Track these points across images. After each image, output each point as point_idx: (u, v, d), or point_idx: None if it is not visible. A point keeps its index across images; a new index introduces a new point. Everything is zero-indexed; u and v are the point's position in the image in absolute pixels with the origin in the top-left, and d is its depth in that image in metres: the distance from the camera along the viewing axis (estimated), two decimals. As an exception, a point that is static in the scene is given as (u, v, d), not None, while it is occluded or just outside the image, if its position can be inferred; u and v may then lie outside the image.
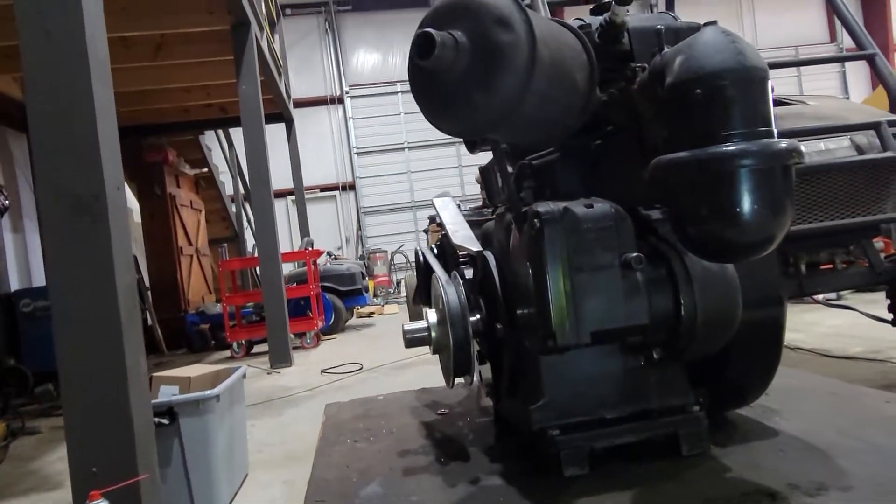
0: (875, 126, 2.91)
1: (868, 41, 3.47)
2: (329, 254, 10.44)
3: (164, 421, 2.74)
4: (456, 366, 0.98)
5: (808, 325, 5.55)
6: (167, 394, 2.92)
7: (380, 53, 16.47)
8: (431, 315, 1.02)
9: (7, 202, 7.08)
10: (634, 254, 0.84)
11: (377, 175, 16.40)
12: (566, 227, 0.83)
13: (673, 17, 1.15)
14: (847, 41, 17.37)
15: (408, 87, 1.10)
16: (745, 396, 1.07)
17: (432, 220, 9.84)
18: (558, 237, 0.83)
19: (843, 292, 6.49)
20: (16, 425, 4.82)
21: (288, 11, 15.58)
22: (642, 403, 0.93)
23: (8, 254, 6.98)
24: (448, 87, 0.67)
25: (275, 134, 10.61)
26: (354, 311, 9.81)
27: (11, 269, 7.73)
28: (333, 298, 8.83)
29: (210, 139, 12.29)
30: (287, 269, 9.63)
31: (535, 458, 0.94)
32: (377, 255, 14.37)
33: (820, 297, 6.31)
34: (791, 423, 1.02)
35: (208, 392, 2.82)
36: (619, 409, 0.92)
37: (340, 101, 16.26)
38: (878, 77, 3.41)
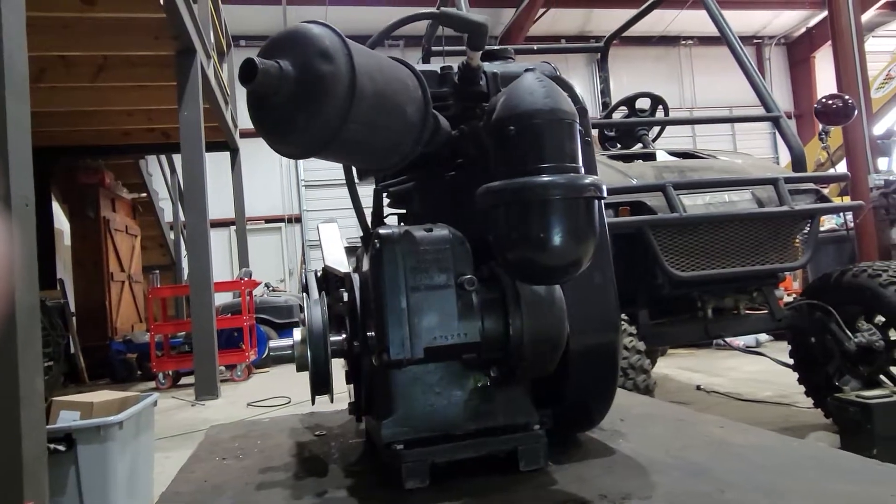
0: (773, 182, 3.12)
1: (774, 104, 3.73)
2: (267, 285, 10.28)
3: (61, 447, 2.63)
4: (314, 383, 1.00)
5: (727, 370, 5.76)
6: (67, 419, 2.81)
7: (333, 89, 16.64)
8: (297, 333, 1.05)
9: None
10: (468, 276, 0.90)
11: (325, 209, 16.32)
12: (404, 249, 0.88)
13: (553, 67, 1.24)
14: (780, 104, 18.46)
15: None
16: (590, 418, 1.12)
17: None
18: (396, 258, 0.88)
19: (762, 339, 6.79)
20: None
21: (242, 42, 15.60)
22: (487, 421, 0.97)
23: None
24: (277, 111, 0.73)
25: (220, 163, 10.53)
26: (290, 344, 9.66)
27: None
28: (269, 331, 8.68)
29: (153, 165, 12.08)
30: (225, 299, 9.42)
31: (383, 473, 0.97)
32: (319, 289, 14.22)
33: (741, 343, 6.58)
34: (629, 445, 1.08)
35: (110, 418, 2.73)
36: (465, 426, 0.96)
37: (291, 133, 16.24)
38: (782, 137, 3.66)
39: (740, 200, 3.15)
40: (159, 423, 4.70)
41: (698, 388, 5.02)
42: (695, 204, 3.11)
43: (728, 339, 6.02)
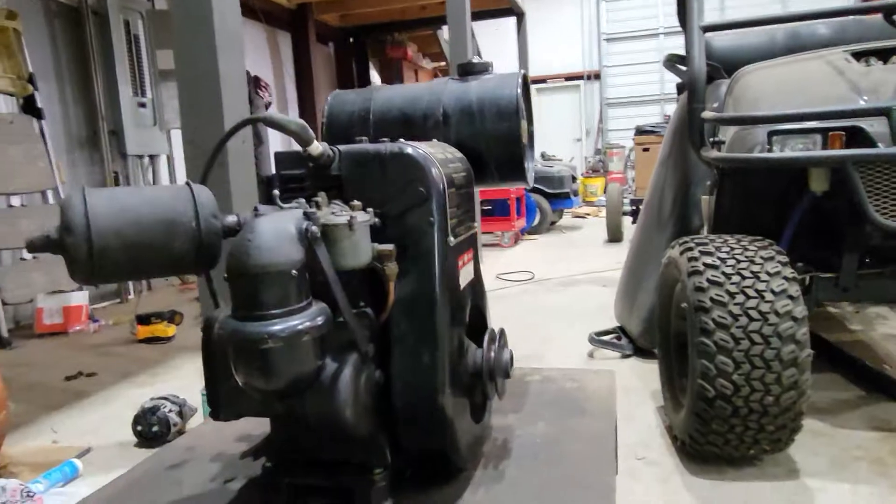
0: None
1: None
2: (542, 155, 10.52)
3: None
4: None
5: None
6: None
7: (639, -68, 14.97)
8: None
9: (271, 98, 8.48)
10: None
11: (626, 64, 15.43)
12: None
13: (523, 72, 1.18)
14: None
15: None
16: (444, 464, 1.23)
17: (639, 130, 9.19)
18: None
19: None
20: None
21: None
22: (345, 456, 1.18)
23: (273, 143, 8.39)
24: (61, 255, 0.98)
25: (508, 30, 10.78)
26: (563, 212, 9.95)
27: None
28: (540, 200, 9.05)
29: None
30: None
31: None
32: (614, 150, 13.80)
33: None
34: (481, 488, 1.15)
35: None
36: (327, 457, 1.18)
37: (594, -17, 15.37)
38: None
39: None
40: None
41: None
42: (939, 133, 2.35)
43: None
